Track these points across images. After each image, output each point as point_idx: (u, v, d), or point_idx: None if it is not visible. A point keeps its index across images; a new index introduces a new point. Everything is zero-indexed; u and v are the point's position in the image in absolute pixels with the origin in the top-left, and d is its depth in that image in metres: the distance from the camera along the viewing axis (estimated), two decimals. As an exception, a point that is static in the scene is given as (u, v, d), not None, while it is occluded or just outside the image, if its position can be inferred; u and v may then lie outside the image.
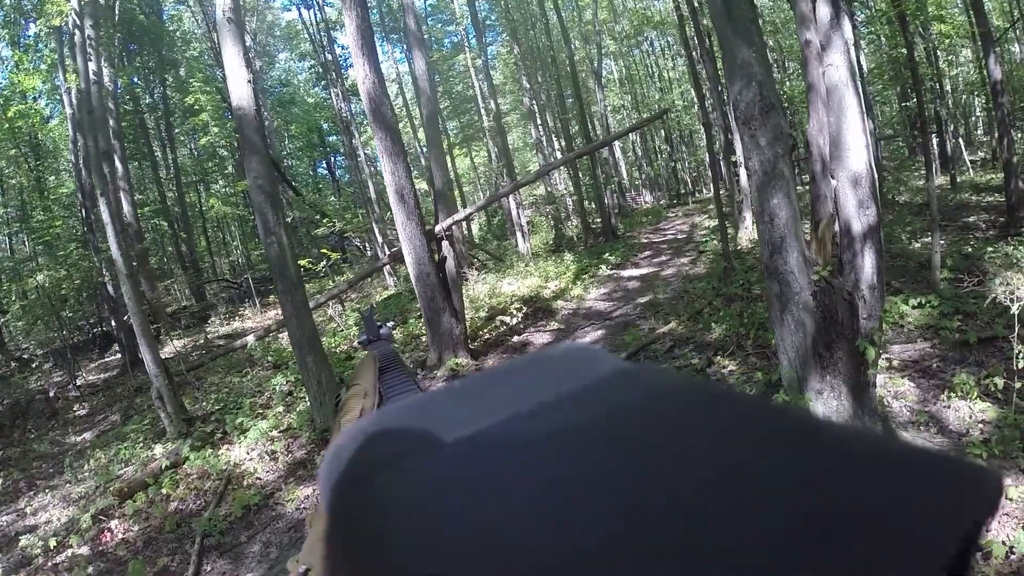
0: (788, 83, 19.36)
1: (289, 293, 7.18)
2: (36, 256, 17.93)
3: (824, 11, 4.62)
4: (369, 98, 8.61)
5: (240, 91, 6.76)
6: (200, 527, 5.88)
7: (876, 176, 4.79)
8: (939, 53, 16.88)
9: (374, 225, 18.28)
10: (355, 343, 6.61)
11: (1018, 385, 4.89)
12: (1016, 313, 5.12)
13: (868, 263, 4.61)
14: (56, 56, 13.25)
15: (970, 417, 5.09)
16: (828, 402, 4.58)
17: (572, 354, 0.33)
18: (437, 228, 9.28)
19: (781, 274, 4.52)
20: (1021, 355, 4.89)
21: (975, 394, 5.10)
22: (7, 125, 16.76)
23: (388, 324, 1.20)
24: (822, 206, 4.84)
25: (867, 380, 4.71)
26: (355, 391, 0.54)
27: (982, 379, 5.24)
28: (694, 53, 13.99)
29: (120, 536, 6.13)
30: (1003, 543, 3.78)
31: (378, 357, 0.60)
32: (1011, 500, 4.08)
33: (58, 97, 17.34)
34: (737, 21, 4.55)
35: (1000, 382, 4.93)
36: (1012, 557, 3.70)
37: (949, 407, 5.26)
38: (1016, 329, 5.10)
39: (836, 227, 4.80)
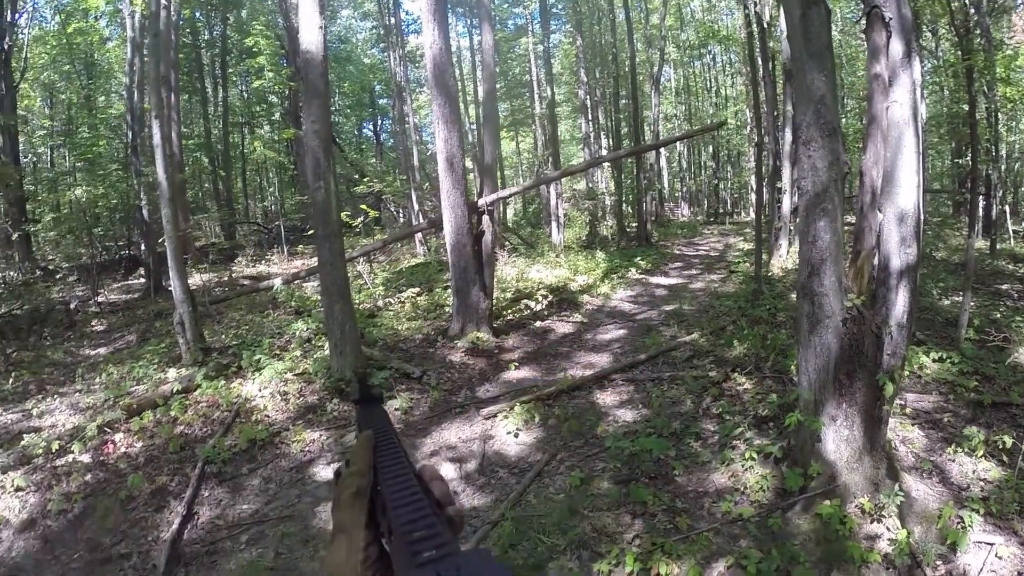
0: (844, 120, 19.12)
1: (328, 239, 7.25)
2: (75, 172, 18.22)
3: (896, 48, 4.62)
4: (434, 64, 8.64)
5: (311, 36, 6.81)
6: (203, 453, 5.96)
7: (922, 217, 4.77)
8: (1000, 116, 16.57)
9: (412, 192, 18.36)
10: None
11: (1025, 448, 4.87)
12: None
13: (901, 301, 4.61)
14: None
15: (973, 473, 5.09)
16: (840, 431, 4.58)
17: None
18: (480, 202, 9.31)
19: (816, 295, 4.52)
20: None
21: (981, 452, 5.08)
22: (65, 40, 17.07)
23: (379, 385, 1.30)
24: (865, 237, 4.85)
25: (881, 416, 4.70)
26: (350, 483, 0.60)
27: (991, 438, 5.21)
28: (758, 73, 13.85)
29: (123, 450, 6.21)
30: (989, 599, 3.82)
31: (372, 436, 0.67)
32: (1000, 559, 4.12)
33: (119, 21, 17.58)
34: (813, 44, 4.55)
35: (1009, 441, 4.91)
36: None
37: (954, 460, 5.25)
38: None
39: (875, 260, 4.80)
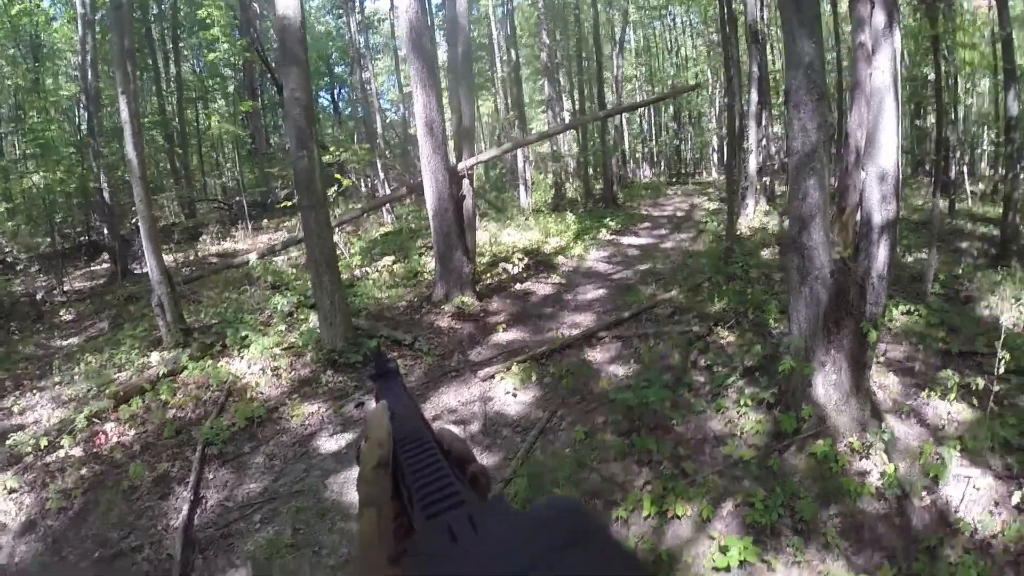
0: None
1: (313, 209, 7.19)
2: (26, 159, 17.50)
3: (879, 18, 4.87)
4: (411, 27, 8.54)
5: (288, 0, 6.67)
6: (202, 435, 5.90)
7: (901, 176, 5.04)
8: (958, 80, 17.06)
9: (377, 160, 18.14)
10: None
11: (996, 388, 5.21)
12: (1003, 326, 5.49)
13: (882, 253, 4.90)
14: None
15: (947, 415, 5.44)
16: (829, 375, 4.86)
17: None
18: (460, 166, 9.31)
19: (806, 248, 4.77)
20: (1002, 361, 5.19)
21: (954, 394, 5.40)
22: (8, 23, 16.28)
23: (395, 358, 1.25)
24: (850, 195, 5.15)
25: (865, 361, 5.00)
26: (370, 456, 0.57)
27: (962, 382, 5.53)
28: (727, 32, 13.94)
29: (115, 439, 6.08)
30: (970, 522, 4.14)
31: (387, 407, 0.64)
32: (977, 489, 4.46)
33: (62, -1, 16.83)
34: (804, 13, 4.81)
35: (981, 382, 5.23)
36: (976, 536, 4.07)
37: (928, 404, 5.59)
38: (1002, 340, 5.40)
39: (858, 216, 5.07)
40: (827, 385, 4.87)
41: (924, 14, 12.17)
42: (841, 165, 5.36)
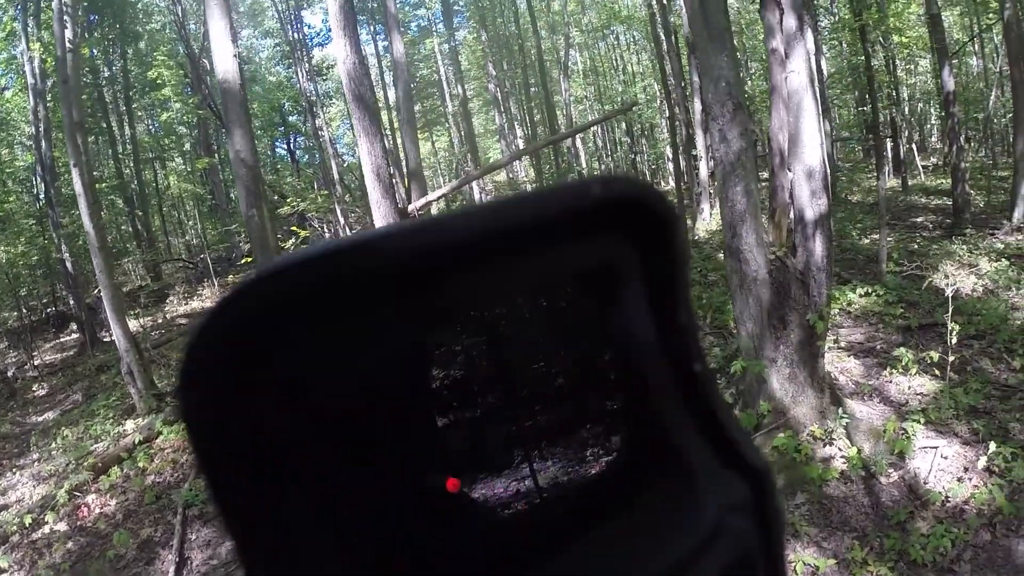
0: (749, 82, 19.98)
1: (268, 263, 7.26)
2: (-18, 233, 17.28)
3: (790, 23, 5.15)
4: (350, 78, 8.70)
5: (226, 64, 6.82)
6: (183, 497, 5.95)
7: (828, 171, 5.31)
8: (898, 62, 17.73)
9: (336, 206, 18.19)
10: None
11: (951, 358, 5.44)
12: (950, 296, 5.74)
13: (819, 247, 5.13)
14: (17, 24, 12.86)
15: (909, 389, 5.67)
16: (781, 370, 5.05)
17: None
18: (411, 207, 9.43)
19: (741, 252, 5.00)
20: (954, 332, 5.43)
21: (915, 369, 5.62)
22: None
23: None
24: (780, 195, 5.38)
25: (816, 352, 5.20)
26: None
27: (919, 357, 5.75)
28: (663, 47, 14.35)
29: (98, 510, 6.15)
30: (940, 491, 4.31)
31: None
32: (945, 458, 4.65)
33: (15, 68, 16.77)
34: (713, 27, 5.06)
35: (935, 355, 5.46)
36: (948, 504, 4.24)
37: (891, 381, 5.81)
38: (950, 312, 5.65)
39: (791, 214, 5.31)
40: (781, 380, 5.06)
41: (850, 7, 12.71)
42: (768, 168, 5.59)
